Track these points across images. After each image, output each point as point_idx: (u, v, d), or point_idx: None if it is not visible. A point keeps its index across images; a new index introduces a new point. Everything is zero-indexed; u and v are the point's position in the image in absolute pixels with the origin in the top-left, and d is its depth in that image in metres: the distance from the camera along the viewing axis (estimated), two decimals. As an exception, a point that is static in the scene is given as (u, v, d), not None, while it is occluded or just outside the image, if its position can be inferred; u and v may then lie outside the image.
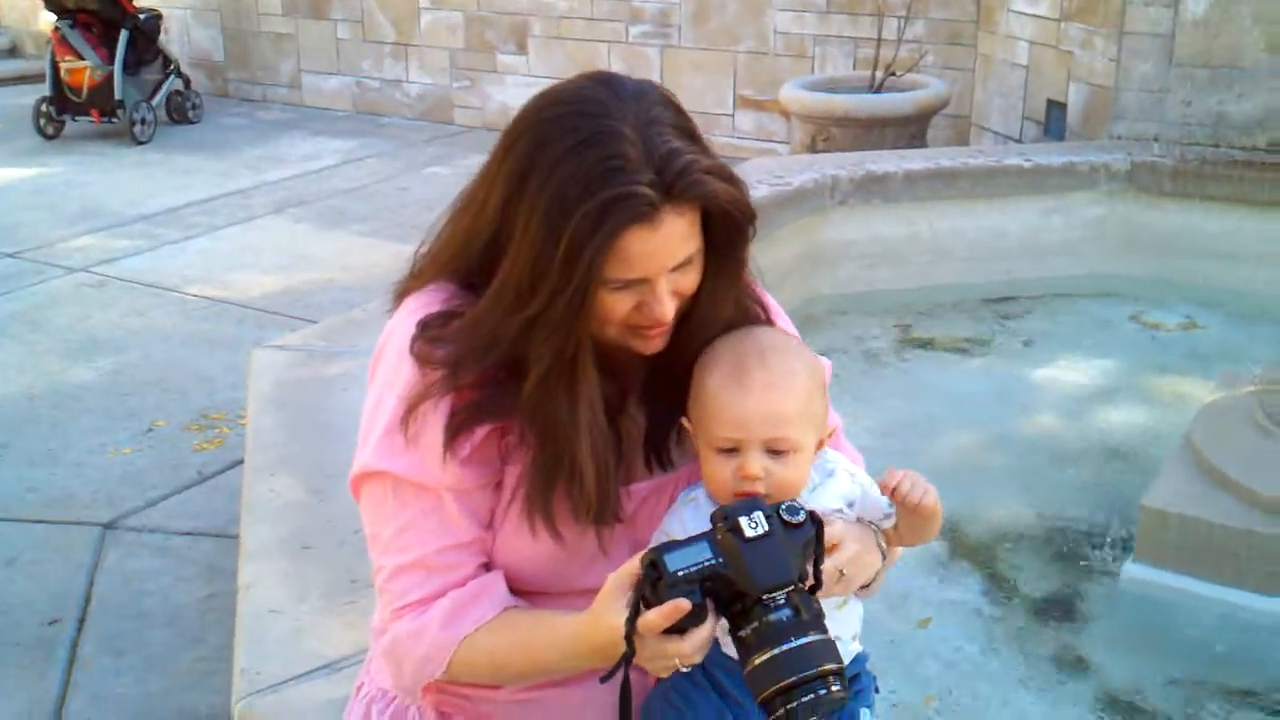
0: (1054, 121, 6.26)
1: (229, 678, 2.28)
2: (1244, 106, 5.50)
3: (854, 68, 7.93)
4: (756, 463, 1.47)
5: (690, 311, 1.52)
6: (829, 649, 1.30)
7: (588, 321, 1.43)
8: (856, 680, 1.57)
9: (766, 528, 1.34)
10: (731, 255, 1.53)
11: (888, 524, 1.58)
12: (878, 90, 6.81)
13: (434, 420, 1.48)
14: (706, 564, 1.32)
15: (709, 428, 1.49)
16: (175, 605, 3.46)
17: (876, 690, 1.69)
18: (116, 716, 3.03)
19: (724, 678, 1.55)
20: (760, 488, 1.47)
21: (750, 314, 1.62)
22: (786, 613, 1.31)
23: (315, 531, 2.66)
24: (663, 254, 1.42)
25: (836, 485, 1.57)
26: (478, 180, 1.52)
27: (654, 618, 1.31)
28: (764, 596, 1.31)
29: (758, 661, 1.30)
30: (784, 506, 1.37)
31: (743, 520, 1.34)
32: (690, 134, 1.45)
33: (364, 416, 1.57)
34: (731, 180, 1.46)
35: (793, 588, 1.33)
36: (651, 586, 1.33)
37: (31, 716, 3.02)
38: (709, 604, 1.34)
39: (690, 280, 1.49)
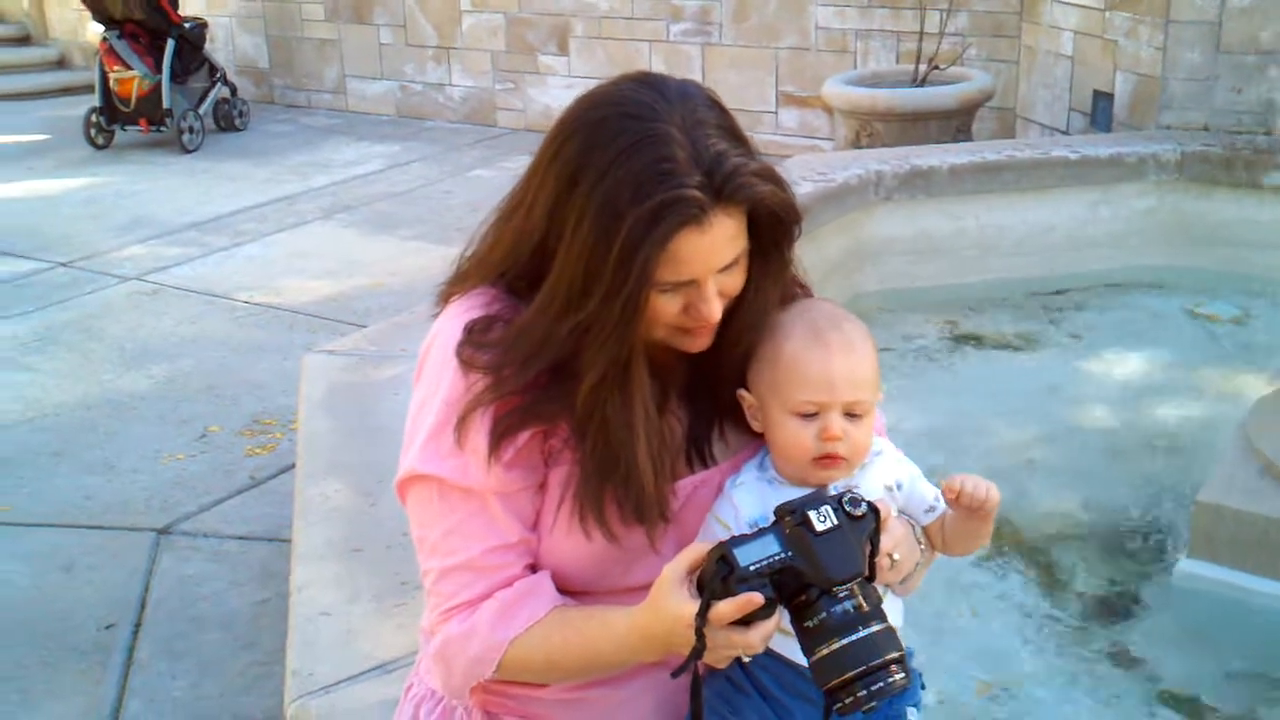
0: (1100, 112, 6.20)
1: (282, 680, 2.30)
2: (1295, 93, 5.43)
3: (896, 62, 7.88)
4: (838, 424, 1.50)
5: (735, 310, 1.53)
6: (892, 638, 1.34)
7: (641, 326, 1.44)
8: (906, 673, 1.57)
9: (835, 521, 1.36)
10: (777, 256, 1.54)
11: (930, 518, 1.59)
12: (921, 84, 6.77)
13: (478, 424, 1.48)
14: (776, 558, 1.35)
15: (789, 393, 1.51)
16: (229, 609, 3.49)
17: (923, 687, 1.68)
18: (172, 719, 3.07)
19: (767, 680, 1.56)
20: (842, 449, 1.50)
21: (794, 298, 1.63)
22: (851, 604, 1.33)
23: (366, 535, 2.68)
24: (711, 255, 1.43)
25: (885, 466, 1.59)
26: (523, 183, 1.53)
27: (726, 609, 1.33)
28: (833, 588, 1.34)
29: (824, 652, 1.33)
30: (846, 498, 1.39)
31: (811, 514, 1.36)
32: (735, 134, 1.45)
33: (409, 419, 1.58)
34: (778, 182, 1.47)
35: (859, 579, 1.35)
36: (721, 581, 1.34)
37: (90, 720, 3.07)
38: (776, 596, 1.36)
39: (736, 280, 1.50)
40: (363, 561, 2.59)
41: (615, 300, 1.40)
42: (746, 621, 1.35)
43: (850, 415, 1.51)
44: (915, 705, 1.59)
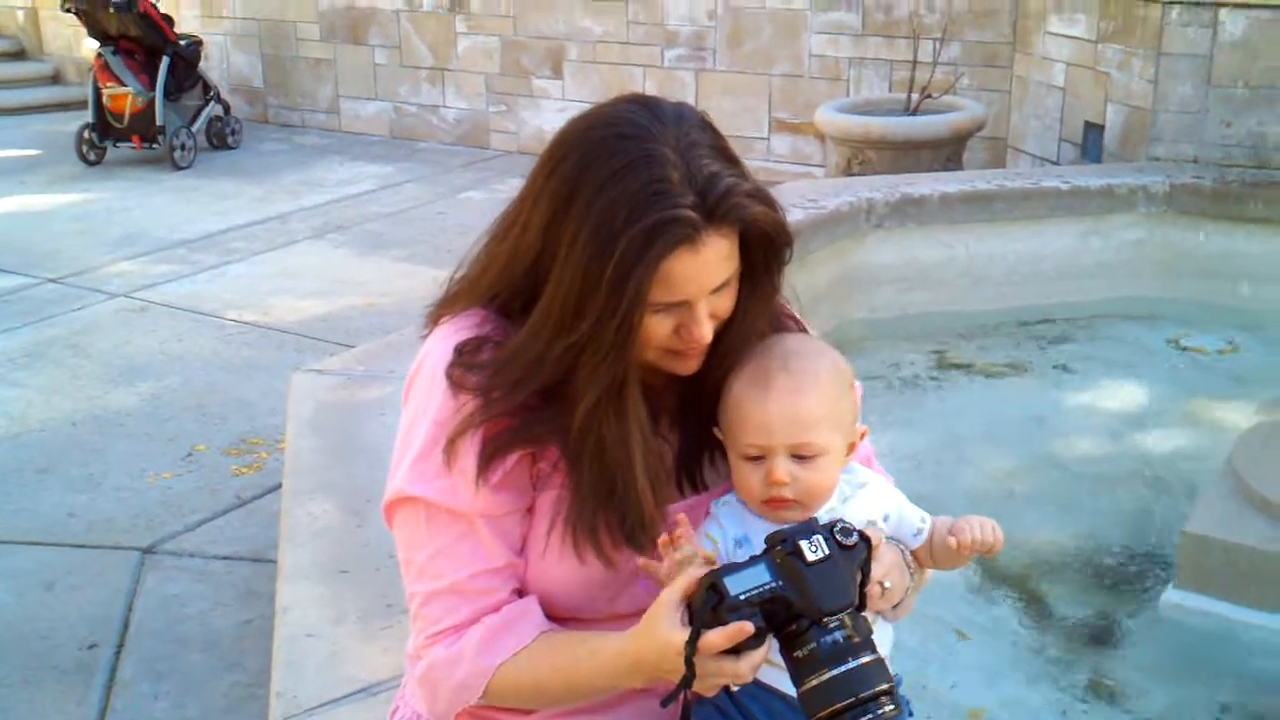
0: (1091, 143, 6.23)
1: (266, 702, 2.29)
2: (1284, 127, 5.46)
3: (889, 90, 7.91)
4: (783, 468, 1.48)
5: (724, 333, 1.52)
6: (882, 669, 1.33)
7: (635, 347, 1.43)
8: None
9: (827, 551, 1.35)
10: (767, 278, 1.54)
11: (918, 542, 1.58)
12: (913, 113, 6.80)
13: (467, 446, 1.48)
14: (767, 587, 1.34)
15: (735, 436, 1.50)
16: (213, 630, 3.47)
17: (910, 715, 1.68)
18: (155, 740, 3.05)
19: (756, 708, 1.54)
20: (788, 493, 1.48)
21: (782, 328, 1.63)
22: (842, 634, 1.33)
23: (352, 555, 2.66)
24: (704, 276, 1.43)
25: (870, 498, 1.57)
26: (516, 204, 1.53)
27: (716, 639, 1.33)
28: (823, 619, 1.33)
29: (814, 683, 1.32)
30: (838, 528, 1.38)
31: (803, 544, 1.35)
32: (728, 156, 1.46)
33: (397, 440, 1.57)
34: (771, 204, 1.47)
35: (849, 609, 1.35)
36: (711, 610, 1.34)
37: (71, 739, 3.05)
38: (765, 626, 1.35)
39: (727, 302, 1.50)
40: (349, 583, 2.57)
41: (610, 321, 1.40)
42: (736, 650, 1.34)
43: (799, 458, 1.49)
44: (903, 732, 1.58)
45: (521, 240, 1.49)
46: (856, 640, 1.33)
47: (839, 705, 1.30)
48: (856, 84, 8.23)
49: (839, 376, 1.54)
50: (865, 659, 1.32)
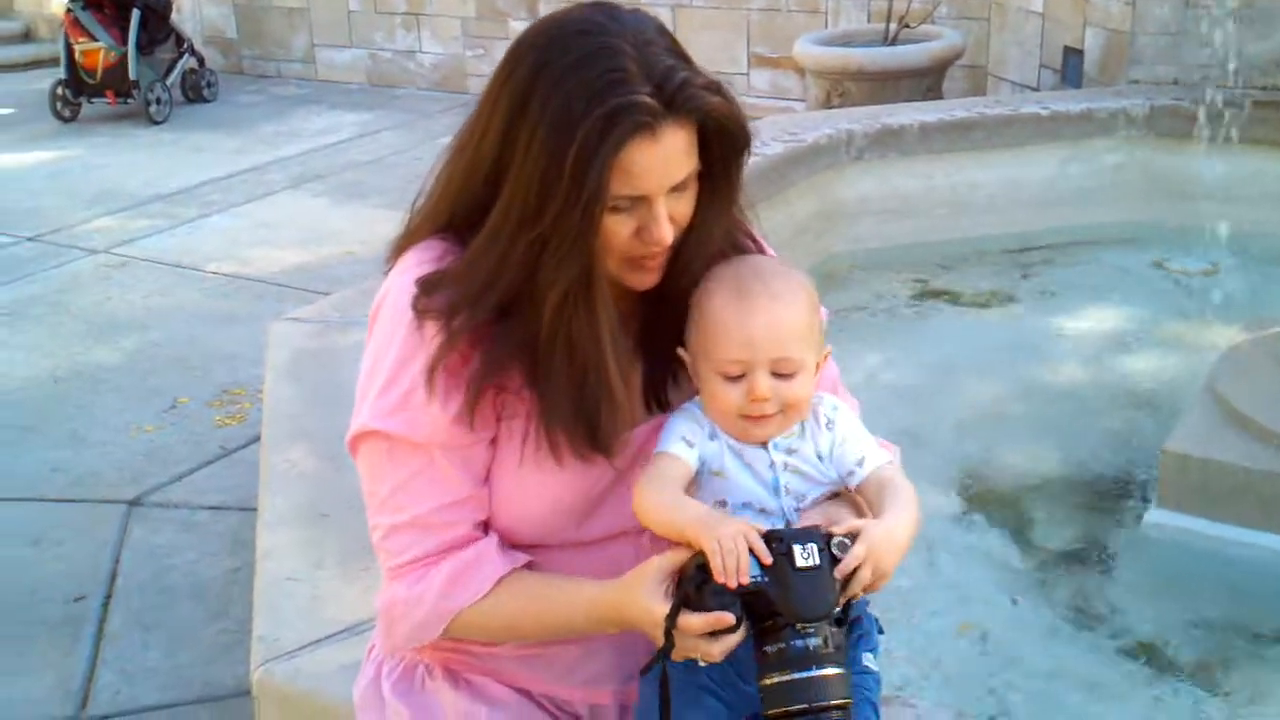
0: (1071, 69, 6.19)
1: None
2: (1263, 46, 5.41)
3: (868, 21, 7.84)
4: (765, 383, 1.47)
5: (683, 243, 1.51)
6: (842, 684, 1.36)
7: (597, 239, 1.42)
8: (859, 623, 1.56)
9: (817, 560, 1.37)
10: (726, 179, 1.53)
11: (851, 481, 1.55)
12: (892, 43, 6.74)
13: (431, 379, 1.46)
14: (753, 581, 1.35)
15: (714, 353, 1.49)
16: (200, 579, 3.48)
17: (881, 631, 1.67)
18: (144, 689, 3.06)
19: (718, 686, 1.54)
20: (770, 408, 1.47)
21: (741, 248, 1.61)
22: (814, 641, 1.35)
23: (332, 499, 2.66)
24: (663, 169, 1.42)
25: (821, 436, 1.55)
26: (474, 114, 1.51)
27: (696, 623, 1.36)
28: (798, 623, 1.35)
29: (775, 680, 1.35)
30: (835, 542, 1.38)
31: (797, 548, 1.36)
32: (684, 57, 1.46)
33: (360, 376, 1.56)
34: (727, 97, 1.46)
35: (827, 619, 1.37)
36: (696, 589, 1.37)
37: (61, 692, 3.05)
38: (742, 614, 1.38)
39: (686, 206, 1.48)
40: (328, 526, 2.57)
41: (573, 210, 1.38)
42: (712, 633, 1.37)
43: (778, 375, 1.47)
44: (873, 650, 1.58)
45: (480, 148, 1.47)
46: (826, 651, 1.35)
47: (793, 708, 1.34)
48: (835, 16, 8.16)
49: (810, 294, 1.54)
50: (829, 671, 1.34)
